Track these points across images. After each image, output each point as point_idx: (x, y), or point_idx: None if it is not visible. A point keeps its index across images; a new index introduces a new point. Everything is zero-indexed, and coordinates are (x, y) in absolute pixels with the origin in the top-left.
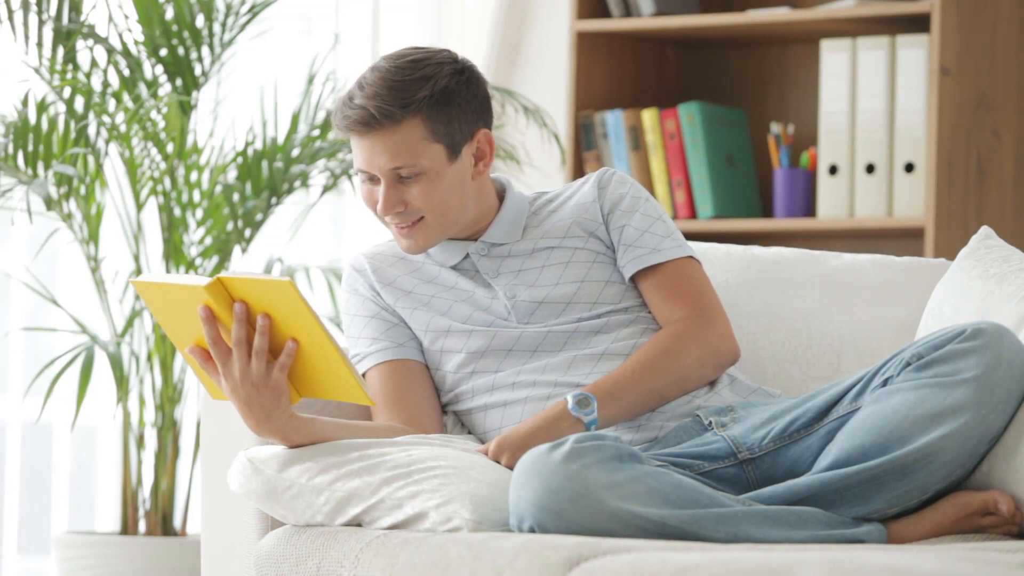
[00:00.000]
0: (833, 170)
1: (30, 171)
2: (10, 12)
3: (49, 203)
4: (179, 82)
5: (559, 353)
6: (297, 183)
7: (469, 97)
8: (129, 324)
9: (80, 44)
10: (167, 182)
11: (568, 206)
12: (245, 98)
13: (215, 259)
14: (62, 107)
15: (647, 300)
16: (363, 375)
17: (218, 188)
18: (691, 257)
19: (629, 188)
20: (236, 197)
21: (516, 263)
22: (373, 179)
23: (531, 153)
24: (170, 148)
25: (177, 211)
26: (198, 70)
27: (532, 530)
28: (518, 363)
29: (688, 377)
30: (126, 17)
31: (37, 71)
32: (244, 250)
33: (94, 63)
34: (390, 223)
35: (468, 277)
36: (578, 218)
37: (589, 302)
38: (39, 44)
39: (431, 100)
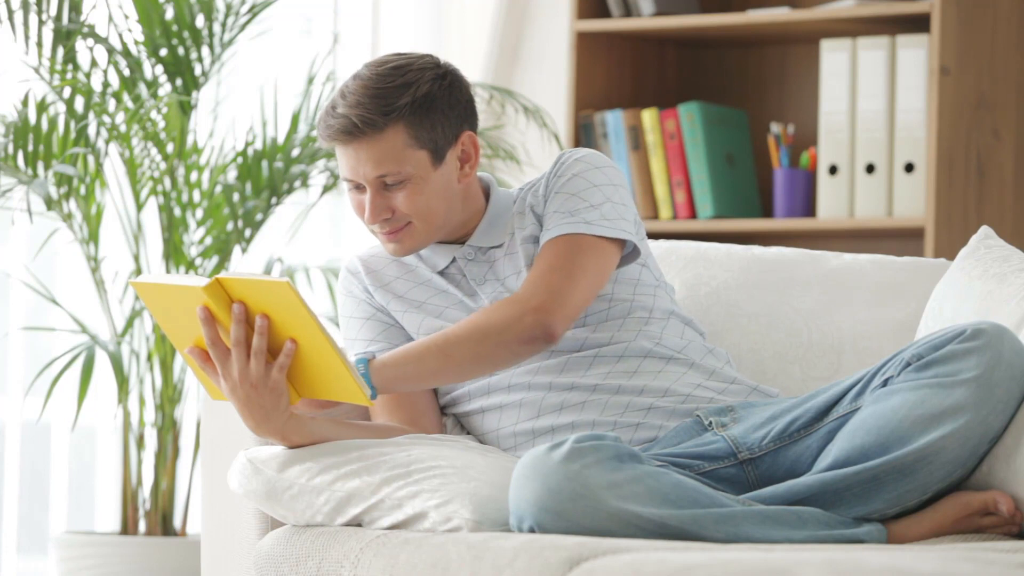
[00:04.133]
0: (833, 170)
1: (30, 171)
2: (10, 12)
3: (49, 203)
4: (179, 82)
5: (552, 356)
6: (297, 183)
7: (452, 101)
8: (129, 324)
9: (80, 44)
10: (167, 182)
11: (528, 200)
12: (245, 98)
13: (215, 259)
14: (62, 107)
15: None
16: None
17: (218, 188)
18: (582, 235)
19: (562, 169)
20: (236, 197)
21: (501, 267)
22: (359, 187)
23: (531, 153)
24: (170, 148)
25: (177, 211)
26: (198, 70)
27: (532, 530)
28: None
29: (480, 343)
30: (126, 17)
31: (37, 71)
32: (244, 250)
33: (94, 63)
34: (377, 230)
35: (455, 283)
36: (535, 215)
37: None
38: (39, 44)
39: (413, 106)
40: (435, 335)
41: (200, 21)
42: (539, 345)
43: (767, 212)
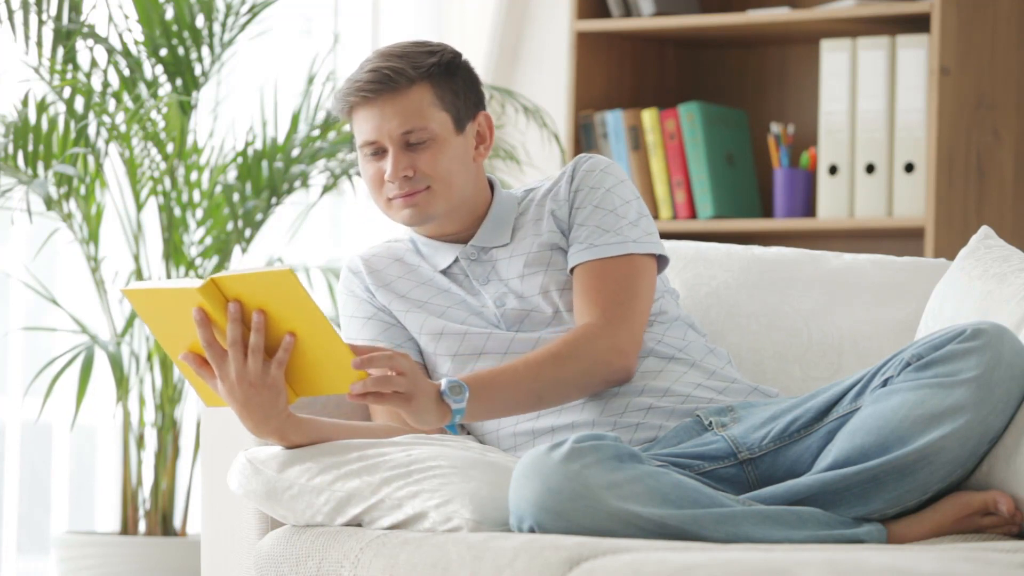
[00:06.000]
0: (833, 170)
1: (30, 171)
2: (10, 12)
3: (49, 203)
4: (179, 82)
5: None
6: (297, 183)
7: (472, 78)
8: (129, 324)
9: (80, 44)
10: (167, 182)
11: (547, 205)
12: (245, 98)
13: (215, 259)
14: (62, 107)
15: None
16: None
17: (218, 188)
18: (634, 255)
19: (591, 179)
20: (236, 197)
21: (504, 268)
22: (378, 153)
23: (531, 153)
24: (170, 148)
25: (177, 211)
26: (198, 70)
27: (532, 530)
28: None
29: (570, 385)
30: (126, 17)
31: (37, 71)
32: (244, 250)
33: (94, 63)
34: (394, 195)
35: (457, 283)
36: (556, 219)
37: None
38: (39, 44)
39: (439, 68)
40: (521, 371)
41: (200, 21)
42: (617, 386)
43: (767, 212)
